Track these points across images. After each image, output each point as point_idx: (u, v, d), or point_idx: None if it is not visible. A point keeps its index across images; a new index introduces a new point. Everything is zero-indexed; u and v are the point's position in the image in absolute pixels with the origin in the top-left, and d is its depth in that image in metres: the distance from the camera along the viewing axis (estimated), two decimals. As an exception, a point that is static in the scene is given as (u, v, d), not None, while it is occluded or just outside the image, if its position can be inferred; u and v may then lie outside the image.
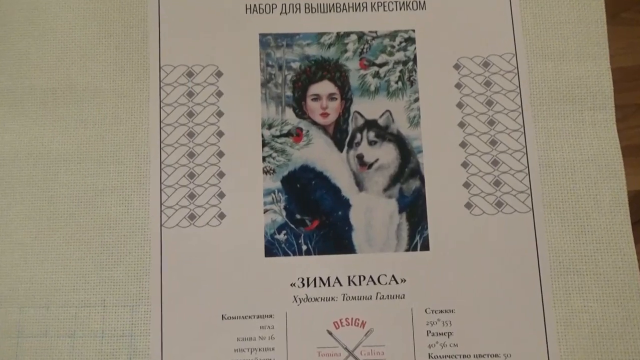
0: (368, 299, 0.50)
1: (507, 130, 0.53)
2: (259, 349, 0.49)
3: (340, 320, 0.50)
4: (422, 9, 0.56)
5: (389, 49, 0.55)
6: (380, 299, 0.50)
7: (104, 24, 0.55)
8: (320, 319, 0.50)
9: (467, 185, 0.52)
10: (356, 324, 0.50)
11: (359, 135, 0.53)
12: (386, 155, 0.53)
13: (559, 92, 0.54)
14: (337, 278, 0.51)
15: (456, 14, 0.55)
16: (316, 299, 0.50)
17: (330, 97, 0.54)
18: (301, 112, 0.54)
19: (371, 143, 0.53)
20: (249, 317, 0.50)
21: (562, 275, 0.50)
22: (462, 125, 0.53)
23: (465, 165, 0.52)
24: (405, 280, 0.51)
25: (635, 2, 0.56)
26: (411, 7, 0.56)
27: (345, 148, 0.53)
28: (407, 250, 0.51)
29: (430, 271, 0.51)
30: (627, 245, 0.51)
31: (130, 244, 0.51)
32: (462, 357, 0.49)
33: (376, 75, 0.54)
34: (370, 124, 0.54)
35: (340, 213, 0.52)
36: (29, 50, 0.55)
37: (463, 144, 0.53)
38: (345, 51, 0.55)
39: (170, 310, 0.50)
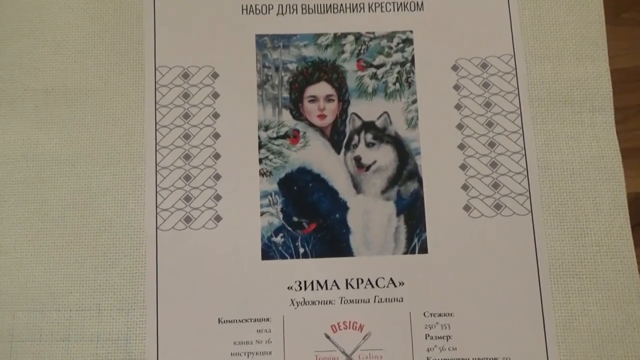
0: (366, 302, 0.50)
1: (505, 132, 0.53)
2: (256, 353, 0.49)
3: (338, 323, 0.50)
4: (420, 10, 0.55)
5: (386, 50, 0.55)
6: (378, 302, 0.50)
7: (99, 25, 0.55)
8: (317, 323, 0.50)
9: (465, 187, 0.52)
10: (354, 328, 0.50)
11: (356, 137, 0.53)
12: (384, 157, 0.53)
13: (558, 93, 0.54)
14: (334, 281, 0.51)
15: (454, 15, 0.55)
16: (314, 303, 0.50)
17: (328, 98, 0.54)
18: (298, 114, 0.54)
19: (369, 145, 0.53)
20: (246, 320, 0.50)
21: (561, 278, 0.50)
22: (460, 127, 0.53)
23: (463, 167, 0.52)
24: (403, 284, 0.50)
25: (636, 3, 0.56)
26: (409, 8, 0.55)
27: (343, 150, 0.53)
28: (405, 253, 0.51)
29: (429, 274, 0.50)
30: (627, 248, 0.50)
31: (126, 247, 0.51)
32: (460, 360, 0.49)
33: (374, 76, 0.54)
34: (368, 126, 0.53)
35: (337, 216, 0.52)
36: (23, 51, 0.54)
37: (461, 146, 0.53)
38: (343, 52, 0.55)
39: (166, 313, 0.50)
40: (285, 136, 0.53)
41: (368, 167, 0.53)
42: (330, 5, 0.55)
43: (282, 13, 0.55)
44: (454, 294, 0.50)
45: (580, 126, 0.53)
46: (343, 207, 0.52)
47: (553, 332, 0.49)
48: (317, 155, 0.53)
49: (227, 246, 0.51)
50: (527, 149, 0.52)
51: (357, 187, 0.52)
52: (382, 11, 0.55)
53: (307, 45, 0.55)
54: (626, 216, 0.51)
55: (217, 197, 0.52)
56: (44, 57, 0.54)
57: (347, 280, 0.51)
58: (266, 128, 0.53)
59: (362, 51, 0.55)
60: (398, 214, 0.52)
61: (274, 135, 0.53)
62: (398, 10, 0.55)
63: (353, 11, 0.55)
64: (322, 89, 0.54)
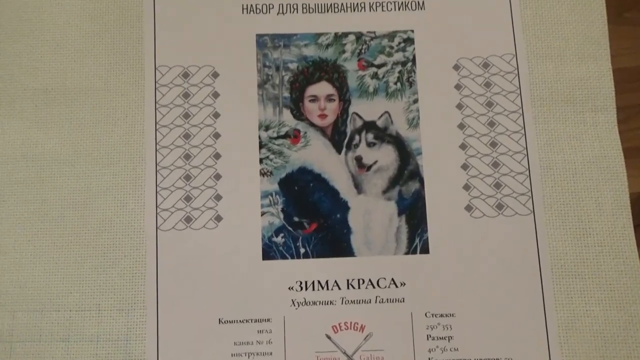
0: (367, 302, 0.50)
1: (507, 132, 0.53)
2: (257, 354, 0.49)
3: (339, 324, 0.50)
4: (421, 9, 0.55)
5: (387, 49, 0.55)
6: (379, 302, 0.50)
7: (99, 24, 0.55)
8: (318, 323, 0.50)
9: (467, 187, 0.52)
10: (355, 328, 0.49)
11: (357, 137, 0.53)
12: (385, 157, 0.53)
13: (560, 93, 0.53)
14: (335, 281, 0.50)
15: (455, 14, 0.55)
16: (314, 303, 0.50)
17: (328, 98, 0.54)
18: (299, 114, 0.53)
19: (370, 145, 0.53)
20: (246, 321, 0.49)
21: (563, 279, 0.50)
22: (461, 126, 0.53)
23: (465, 167, 0.52)
24: (404, 284, 0.50)
25: (638, 2, 0.56)
26: (410, 7, 0.55)
27: (344, 150, 0.53)
28: (407, 253, 0.51)
29: (430, 274, 0.50)
30: (629, 248, 0.50)
31: (126, 247, 0.51)
32: (462, 361, 0.49)
33: (375, 76, 0.54)
34: (369, 126, 0.53)
35: (338, 216, 0.52)
36: (22, 50, 0.54)
37: (463, 146, 0.52)
38: (344, 52, 0.54)
39: (166, 314, 0.49)
40: (285, 136, 0.53)
41: (369, 167, 0.53)
42: (331, 4, 0.55)
43: (283, 12, 0.55)
44: (456, 294, 0.50)
45: (583, 126, 0.53)
46: (344, 207, 0.52)
47: (555, 332, 0.49)
48: (318, 155, 0.53)
49: (227, 246, 0.51)
50: (529, 149, 0.52)
51: (358, 187, 0.52)
52: (383, 10, 0.55)
53: (307, 45, 0.55)
54: (629, 216, 0.51)
55: (218, 197, 0.51)
56: (44, 57, 0.54)
57: (348, 280, 0.50)
58: (267, 128, 0.53)
59: (363, 51, 0.54)
60: (399, 214, 0.52)
61: (275, 135, 0.53)
62: (399, 9, 0.55)
63: (354, 10, 0.55)
64: (322, 88, 0.54)
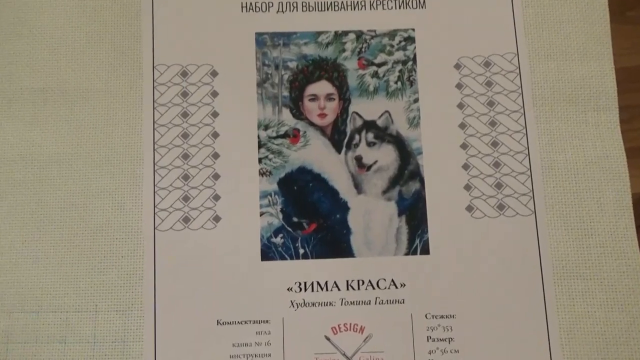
0: (367, 304, 0.50)
1: (508, 132, 0.52)
2: (255, 355, 0.49)
3: (338, 325, 0.49)
4: (422, 7, 0.55)
5: (388, 48, 0.54)
6: (379, 304, 0.50)
7: (97, 23, 0.54)
8: (318, 325, 0.49)
9: (468, 187, 0.52)
10: (355, 330, 0.49)
11: (357, 137, 0.53)
12: (385, 156, 0.53)
13: (562, 92, 0.53)
14: (335, 282, 0.50)
15: (456, 12, 0.55)
16: (314, 304, 0.50)
17: (328, 97, 0.53)
18: (298, 113, 0.53)
19: (370, 144, 0.53)
20: (245, 322, 0.49)
21: (565, 280, 0.50)
22: (462, 126, 0.53)
23: (466, 167, 0.52)
24: (404, 285, 0.50)
25: (641, 0, 0.56)
26: (411, 6, 0.55)
27: (344, 149, 0.53)
28: (407, 254, 0.51)
29: (431, 275, 0.50)
30: (632, 249, 0.50)
31: (123, 248, 0.50)
32: (463, 363, 0.49)
33: (375, 75, 0.54)
34: (369, 125, 0.53)
35: (338, 216, 0.51)
36: (20, 50, 0.54)
37: (464, 146, 0.52)
38: (344, 50, 0.54)
39: (164, 315, 0.49)
40: (285, 135, 0.53)
41: (369, 167, 0.52)
42: (331, 2, 0.55)
43: (282, 11, 0.55)
44: (456, 295, 0.50)
45: (585, 126, 0.53)
46: (344, 208, 0.52)
47: (557, 334, 0.49)
48: (317, 154, 0.52)
49: (226, 247, 0.50)
50: (531, 149, 0.52)
51: (358, 187, 0.52)
52: (383, 9, 0.55)
53: (307, 43, 0.54)
54: (631, 217, 0.51)
55: (216, 197, 0.51)
56: (41, 56, 0.54)
57: (347, 281, 0.50)
58: (266, 127, 0.53)
59: (363, 49, 0.54)
60: (399, 215, 0.51)
61: (274, 134, 0.53)
62: (400, 7, 0.55)
63: (354, 9, 0.55)
64: (322, 87, 0.54)
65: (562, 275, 0.50)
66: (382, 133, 0.53)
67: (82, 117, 0.53)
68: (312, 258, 0.51)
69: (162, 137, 0.52)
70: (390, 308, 0.50)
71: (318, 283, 0.50)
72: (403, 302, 0.50)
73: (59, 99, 0.53)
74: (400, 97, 0.53)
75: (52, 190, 0.51)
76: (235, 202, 0.51)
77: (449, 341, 0.49)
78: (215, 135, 0.52)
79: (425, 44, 0.54)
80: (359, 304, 0.50)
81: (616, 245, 0.50)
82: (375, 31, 0.55)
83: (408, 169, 0.52)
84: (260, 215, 0.51)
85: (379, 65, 0.54)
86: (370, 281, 0.50)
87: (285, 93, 0.53)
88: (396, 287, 0.50)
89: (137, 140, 0.52)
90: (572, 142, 0.52)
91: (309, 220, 0.51)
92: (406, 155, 0.52)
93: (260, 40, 0.54)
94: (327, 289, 0.50)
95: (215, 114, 0.53)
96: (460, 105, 0.53)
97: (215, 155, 0.52)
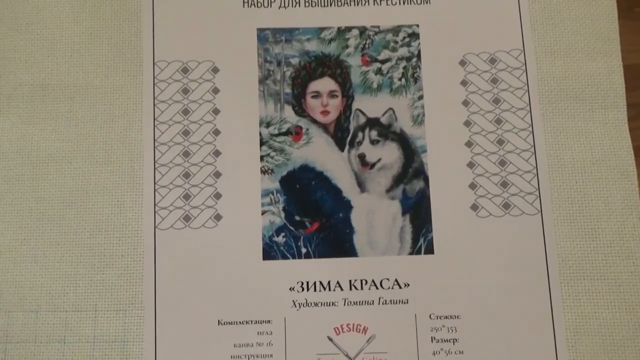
0: (370, 304, 0.50)
1: (514, 129, 0.52)
2: (257, 356, 0.49)
3: (341, 325, 0.49)
4: (427, 3, 0.55)
5: (391, 44, 0.54)
6: (382, 304, 0.50)
7: (96, 18, 0.54)
8: (320, 325, 0.49)
9: (473, 186, 0.51)
10: (358, 330, 0.49)
11: (360, 134, 0.53)
12: (389, 154, 0.52)
13: (569, 89, 0.53)
14: (337, 282, 0.50)
15: (462, 8, 0.55)
16: (316, 304, 0.50)
17: (331, 94, 0.53)
18: (301, 110, 0.53)
19: (373, 142, 0.52)
20: (246, 322, 0.49)
21: (571, 280, 0.50)
22: (467, 124, 0.52)
23: (471, 165, 0.52)
24: (408, 285, 0.50)
25: (651, -4, 0.56)
26: (415, 1, 0.55)
27: (347, 147, 0.53)
28: (411, 253, 0.50)
29: (435, 275, 0.50)
30: (639, 248, 0.50)
31: (123, 246, 0.50)
32: (467, 364, 0.49)
33: (378, 71, 0.54)
34: (373, 123, 0.53)
35: (341, 215, 0.51)
36: (18, 45, 0.54)
37: (469, 144, 0.52)
38: (347, 47, 0.54)
39: (165, 315, 0.49)
40: (287, 133, 0.52)
41: (373, 165, 0.52)
42: (334, -2, 0.55)
43: (284, 6, 0.55)
44: (461, 295, 0.49)
45: (592, 123, 0.52)
46: (347, 206, 0.51)
47: (563, 335, 0.49)
48: (320, 152, 0.52)
49: (227, 246, 0.50)
50: (537, 147, 0.52)
51: (362, 186, 0.52)
52: (387, 4, 0.55)
53: (310, 40, 0.54)
54: (638, 216, 0.50)
55: (217, 195, 0.51)
56: (40, 52, 0.54)
57: (350, 281, 0.50)
58: (268, 124, 0.52)
59: (366, 45, 0.54)
60: (403, 214, 0.51)
61: (276, 131, 0.52)
62: (404, 3, 0.55)
63: (357, 4, 0.55)
64: (325, 84, 0.53)
65: (568, 275, 0.49)
66: (385, 131, 0.53)
67: (82, 113, 0.52)
68: (315, 257, 0.51)
69: (163, 135, 0.52)
70: (393, 308, 0.49)
71: (320, 283, 0.50)
72: (407, 302, 0.49)
73: (58, 96, 0.53)
74: (404, 94, 0.53)
75: (51, 188, 0.51)
76: (236, 201, 0.51)
77: (454, 342, 0.49)
78: (216, 132, 0.52)
79: (430, 40, 0.54)
80: (362, 304, 0.50)
81: (623, 245, 0.50)
82: (379, 27, 0.54)
83: (412, 167, 0.52)
84: (262, 213, 0.51)
85: (383, 61, 0.54)
86: (373, 281, 0.50)
87: (288, 90, 0.53)
88: (400, 287, 0.50)
89: (137, 137, 0.52)
90: (579, 140, 0.52)
91: (312, 219, 0.51)
92: (410, 153, 0.52)
93: (262, 36, 0.54)
94: (329, 289, 0.50)
95: (216, 111, 0.52)
96: (465, 103, 0.53)
97: (217, 153, 0.52)
